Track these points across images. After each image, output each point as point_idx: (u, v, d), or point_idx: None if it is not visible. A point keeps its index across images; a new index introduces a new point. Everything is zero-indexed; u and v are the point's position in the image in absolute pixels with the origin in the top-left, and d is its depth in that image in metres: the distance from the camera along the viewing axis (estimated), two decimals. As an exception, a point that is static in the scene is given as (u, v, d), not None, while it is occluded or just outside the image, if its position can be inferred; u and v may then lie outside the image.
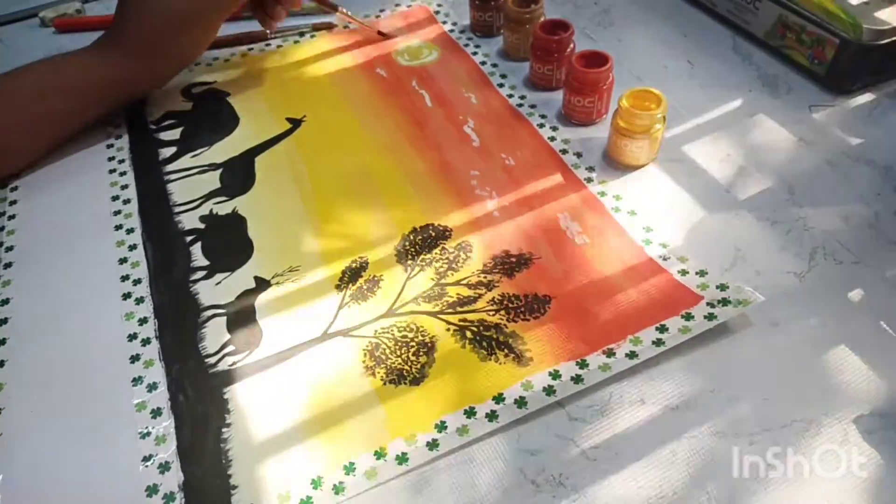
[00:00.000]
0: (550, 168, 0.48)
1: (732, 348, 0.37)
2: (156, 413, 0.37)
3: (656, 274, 0.41)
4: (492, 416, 0.35)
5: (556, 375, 0.36)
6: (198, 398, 0.38)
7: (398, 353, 0.39)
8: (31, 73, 0.52)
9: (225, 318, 0.41)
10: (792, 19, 0.53)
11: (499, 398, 0.36)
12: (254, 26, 0.62)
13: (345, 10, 0.52)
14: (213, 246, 0.46)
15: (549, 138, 0.51)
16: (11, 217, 0.50)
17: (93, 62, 0.52)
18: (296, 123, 0.55)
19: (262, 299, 0.42)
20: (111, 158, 0.54)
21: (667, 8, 0.63)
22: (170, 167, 0.52)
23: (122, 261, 0.45)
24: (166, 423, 0.37)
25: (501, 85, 0.56)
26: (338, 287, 0.42)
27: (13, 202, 0.51)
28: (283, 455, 0.35)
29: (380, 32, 0.52)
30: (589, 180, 0.47)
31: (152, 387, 0.38)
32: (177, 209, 0.49)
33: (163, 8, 0.50)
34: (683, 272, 0.41)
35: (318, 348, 0.39)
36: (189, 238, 0.47)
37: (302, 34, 0.64)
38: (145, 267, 0.45)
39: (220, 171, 0.51)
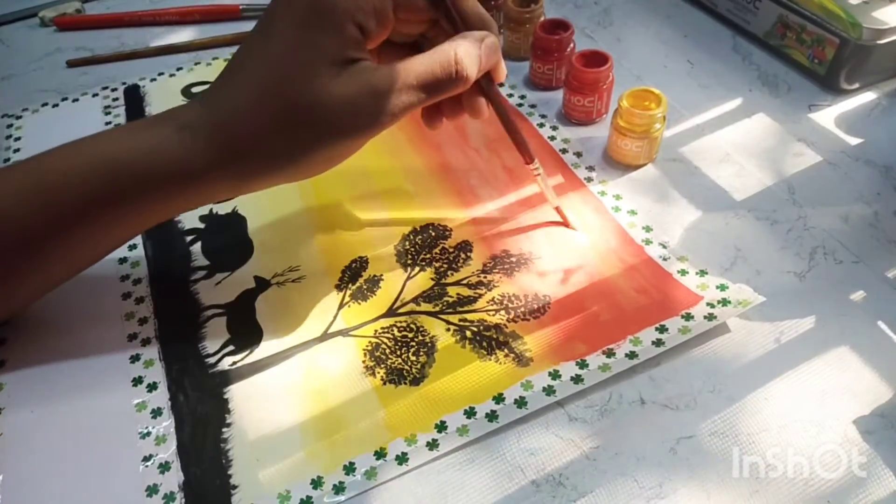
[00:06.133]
0: (550, 168, 0.48)
1: (732, 348, 0.37)
2: (156, 413, 0.37)
3: (656, 274, 0.41)
4: (492, 416, 0.35)
5: (556, 375, 0.37)
6: (198, 398, 0.38)
7: (398, 353, 0.39)
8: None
9: (225, 318, 0.41)
10: (792, 19, 0.53)
11: (499, 398, 0.36)
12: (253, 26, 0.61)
13: (537, 169, 0.42)
14: (213, 246, 0.46)
15: (549, 138, 0.51)
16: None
17: (158, 146, 0.35)
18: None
19: (262, 299, 0.42)
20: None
21: (667, 8, 0.63)
22: (170, 167, 0.52)
23: (122, 261, 0.45)
24: (166, 423, 0.37)
25: (501, 84, 0.56)
26: (338, 287, 0.42)
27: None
28: (283, 455, 0.35)
29: (557, 209, 0.44)
30: (589, 180, 0.47)
31: (152, 387, 0.38)
32: (177, 209, 0.49)
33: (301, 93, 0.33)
34: (683, 272, 0.41)
35: (318, 348, 0.39)
36: (189, 238, 0.47)
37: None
38: (145, 267, 0.45)
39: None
